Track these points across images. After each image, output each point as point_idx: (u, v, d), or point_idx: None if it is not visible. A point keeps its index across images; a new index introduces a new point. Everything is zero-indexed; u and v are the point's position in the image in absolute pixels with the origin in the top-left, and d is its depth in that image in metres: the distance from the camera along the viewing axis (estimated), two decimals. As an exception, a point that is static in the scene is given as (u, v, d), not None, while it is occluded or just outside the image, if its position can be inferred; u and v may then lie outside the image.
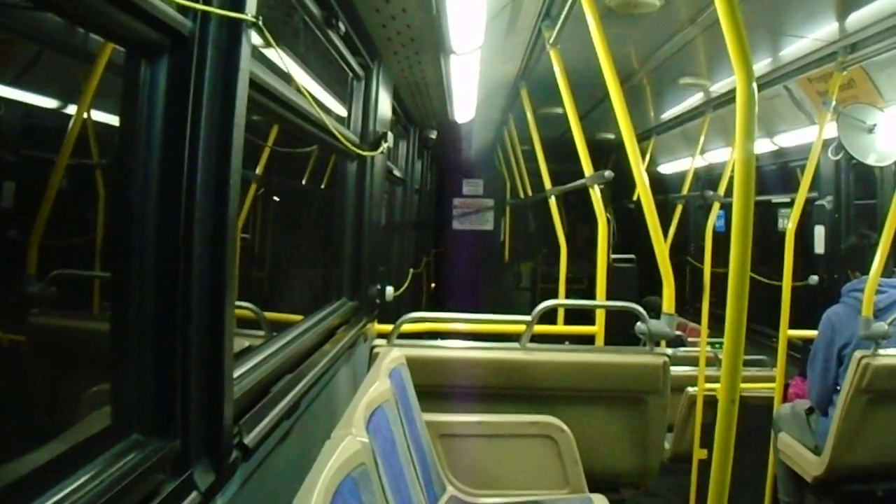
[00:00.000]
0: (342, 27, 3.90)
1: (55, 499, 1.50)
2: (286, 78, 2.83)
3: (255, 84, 2.31)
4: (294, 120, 3.16)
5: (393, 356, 4.15)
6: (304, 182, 7.24)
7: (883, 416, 5.19)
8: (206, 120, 1.91)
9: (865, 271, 5.33)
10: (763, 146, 8.68)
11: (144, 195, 1.83)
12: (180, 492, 1.85)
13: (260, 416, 2.48)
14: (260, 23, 2.10)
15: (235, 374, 2.33)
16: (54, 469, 1.58)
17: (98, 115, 2.99)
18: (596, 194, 5.87)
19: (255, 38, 2.18)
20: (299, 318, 3.95)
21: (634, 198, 9.44)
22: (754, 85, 2.95)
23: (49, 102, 3.07)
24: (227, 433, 2.09)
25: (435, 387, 4.60)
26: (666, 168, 12.46)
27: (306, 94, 2.96)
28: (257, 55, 2.34)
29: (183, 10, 1.84)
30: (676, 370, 7.16)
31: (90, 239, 3.12)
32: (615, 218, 12.54)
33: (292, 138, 6.05)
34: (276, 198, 7.39)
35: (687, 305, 11.47)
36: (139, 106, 1.83)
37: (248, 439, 2.28)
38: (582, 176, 5.85)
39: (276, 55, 2.61)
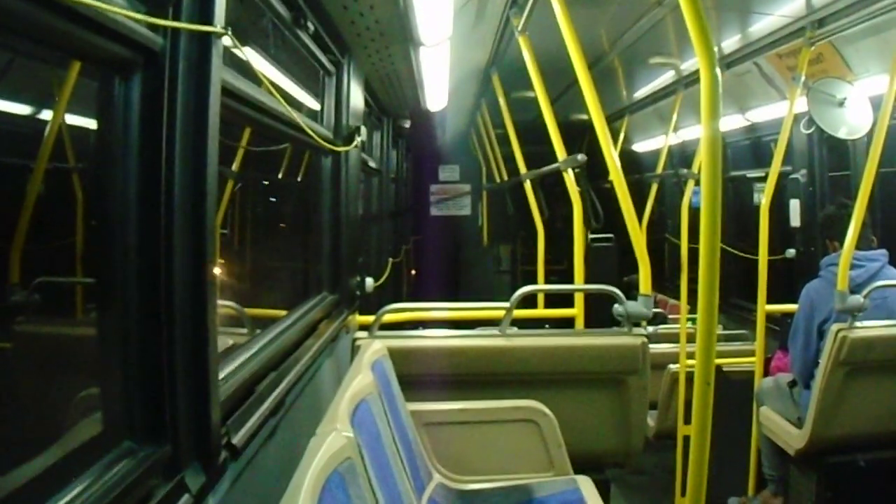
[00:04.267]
0: (311, 27, 3.93)
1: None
2: (257, 79, 2.86)
3: (227, 91, 2.34)
4: (267, 122, 3.19)
5: (374, 348, 4.19)
6: (280, 177, 7.26)
7: (861, 387, 5.26)
8: (181, 131, 1.95)
9: (844, 242, 5.38)
10: (735, 122, 8.72)
11: (124, 206, 1.86)
12: (173, 495, 1.89)
13: (246, 416, 2.51)
14: (229, 33, 2.14)
15: (221, 375, 2.37)
16: (49, 479, 1.62)
17: (74, 120, 3.01)
18: (570, 177, 5.92)
19: (225, 40, 2.21)
20: (282, 313, 3.98)
21: (610, 178, 9.48)
22: (717, 69, 3.00)
23: (23, 108, 3.08)
24: (215, 435, 2.13)
25: (418, 376, 4.64)
26: (640, 147, 12.48)
27: (277, 95, 2.99)
28: (227, 56, 2.37)
29: (153, 27, 1.87)
30: (658, 347, 7.23)
31: (71, 244, 3.14)
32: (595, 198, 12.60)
33: (267, 136, 6.08)
34: (253, 194, 7.40)
35: (667, 282, 11.52)
36: (115, 121, 1.87)
37: (236, 439, 2.31)
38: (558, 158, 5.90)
39: (246, 56, 2.64)
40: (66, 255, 3.04)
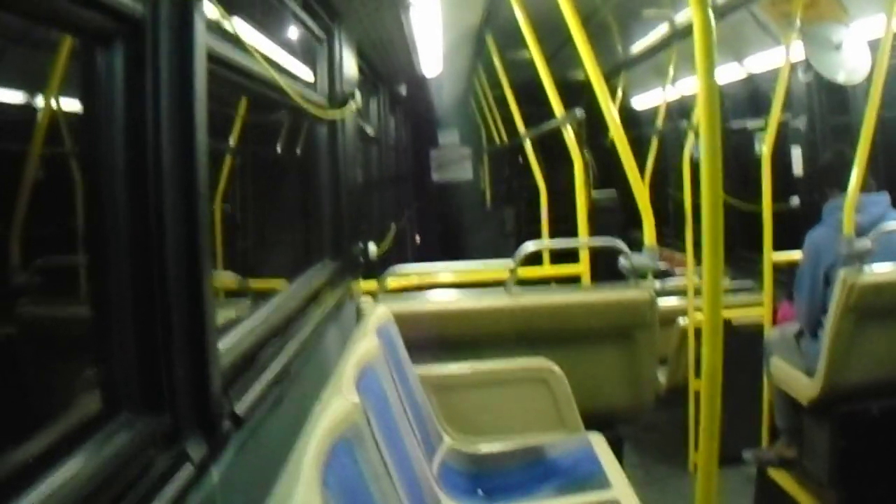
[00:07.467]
0: (298, -7, 3.91)
1: (52, 485, 1.51)
2: (245, 47, 2.83)
3: (214, 58, 2.32)
4: (258, 88, 3.17)
5: (379, 313, 4.18)
6: (278, 149, 7.24)
7: (872, 333, 5.20)
8: (167, 100, 1.93)
9: (844, 189, 5.33)
10: (733, 73, 8.67)
11: (113, 180, 1.84)
12: (174, 465, 1.87)
13: (249, 385, 2.50)
14: None
15: (222, 344, 2.35)
16: (47, 455, 1.60)
17: (68, 104, 3.00)
18: (569, 134, 5.89)
19: (213, 11, 2.19)
20: (284, 283, 3.97)
21: (611, 135, 9.45)
22: (710, 12, 2.95)
23: (15, 96, 3.07)
24: (216, 404, 2.12)
25: (424, 340, 4.62)
26: (639, 102, 12.43)
27: (263, 62, 2.96)
28: (215, 27, 2.35)
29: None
30: (666, 302, 7.21)
31: (71, 226, 3.13)
32: (593, 157, 12.55)
33: (265, 107, 6.05)
34: (253, 169, 7.39)
35: (673, 237, 11.49)
36: (99, 93, 1.84)
37: (239, 408, 2.30)
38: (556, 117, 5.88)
39: (236, 25, 2.62)
40: (65, 236, 3.03)
